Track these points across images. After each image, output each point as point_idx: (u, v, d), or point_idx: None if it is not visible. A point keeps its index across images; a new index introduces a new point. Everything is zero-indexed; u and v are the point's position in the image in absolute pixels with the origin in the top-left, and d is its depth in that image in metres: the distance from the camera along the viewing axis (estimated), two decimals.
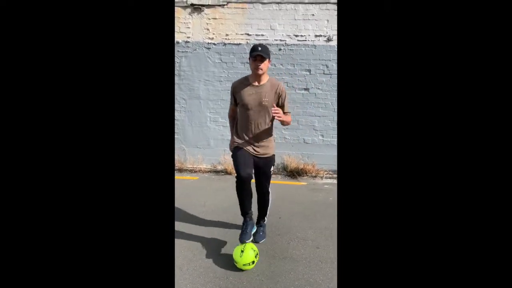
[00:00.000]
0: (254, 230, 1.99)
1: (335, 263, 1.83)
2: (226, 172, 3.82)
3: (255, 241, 1.95)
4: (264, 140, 1.89)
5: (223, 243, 2.07)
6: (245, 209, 1.92)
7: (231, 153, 1.95)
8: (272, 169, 1.97)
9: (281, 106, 1.87)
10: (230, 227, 2.31)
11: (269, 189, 1.99)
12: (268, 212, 2.09)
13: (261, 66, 1.75)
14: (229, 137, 3.89)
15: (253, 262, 1.74)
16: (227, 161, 3.86)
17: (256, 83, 1.84)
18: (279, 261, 1.84)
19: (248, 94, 1.83)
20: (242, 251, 1.74)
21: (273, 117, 1.86)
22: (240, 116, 1.89)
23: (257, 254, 1.78)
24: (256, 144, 1.88)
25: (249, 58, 1.80)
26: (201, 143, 4.02)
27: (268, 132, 1.90)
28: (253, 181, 1.90)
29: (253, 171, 1.89)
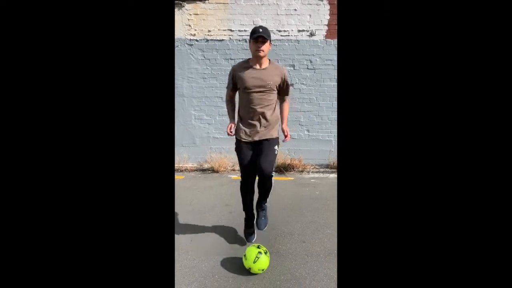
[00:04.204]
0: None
1: (321, 256, 1.85)
2: (213, 170, 3.79)
3: (258, 228, 1.96)
4: (269, 123, 1.83)
5: (209, 242, 2.04)
6: (246, 207, 1.99)
7: (235, 144, 1.90)
8: (276, 148, 1.86)
9: (284, 89, 1.86)
10: (216, 226, 2.29)
11: (273, 171, 1.83)
12: (270, 195, 1.97)
13: (262, 48, 1.70)
14: (215, 135, 3.89)
15: (259, 253, 1.65)
16: (213, 159, 3.82)
17: (258, 66, 1.77)
18: None
19: (251, 77, 1.75)
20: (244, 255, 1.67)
21: (277, 100, 1.88)
22: (243, 100, 1.82)
23: (260, 250, 1.68)
24: (260, 128, 1.82)
25: (249, 41, 1.75)
26: (186, 141, 3.96)
27: (272, 114, 1.85)
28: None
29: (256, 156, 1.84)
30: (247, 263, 1.65)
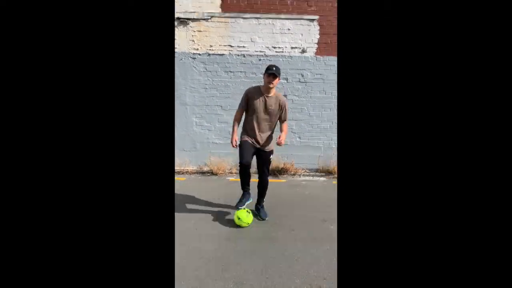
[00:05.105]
0: (249, 201, 2.57)
1: (307, 241, 2.17)
2: (212, 173, 4.09)
3: (262, 218, 2.55)
4: (267, 138, 2.46)
5: (207, 237, 2.33)
6: (244, 185, 2.58)
7: (239, 143, 2.47)
8: (271, 157, 2.54)
9: (283, 115, 2.47)
10: (216, 224, 2.55)
11: (268, 172, 2.56)
12: (266, 194, 2.63)
13: (273, 82, 2.31)
14: (214, 141, 4.23)
15: (248, 211, 2.43)
16: (213, 162, 4.14)
17: (267, 94, 2.39)
18: (259, 242, 2.15)
19: (259, 101, 2.38)
20: (239, 218, 2.37)
21: (275, 124, 2.49)
22: (249, 118, 2.44)
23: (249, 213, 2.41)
24: (260, 140, 2.43)
25: (264, 74, 2.36)
26: (187, 146, 4.28)
27: (270, 133, 2.48)
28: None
29: (256, 160, 2.49)
30: (241, 216, 2.36)
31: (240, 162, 2.42)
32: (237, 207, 2.48)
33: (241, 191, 2.58)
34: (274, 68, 2.29)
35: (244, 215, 2.37)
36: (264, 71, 2.38)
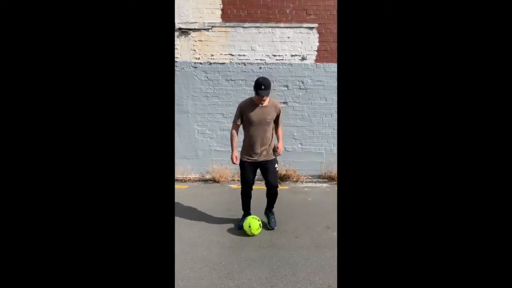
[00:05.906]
0: (246, 219, 2.45)
1: (311, 248, 2.16)
2: (214, 180, 4.10)
3: (271, 227, 2.48)
4: (268, 147, 2.40)
5: (211, 245, 2.33)
6: (245, 207, 2.56)
7: (239, 164, 2.44)
8: (276, 166, 2.46)
9: (278, 120, 2.46)
10: (219, 232, 2.56)
11: (277, 183, 2.46)
12: (275, 202, 2.55)
13: (264, 99, 2.30)
14: (216, 148, 4.25)
15: (260, 225, 2.38)
16: (215, 170, 4.15)
17: (261, 104, 2.35)
18: (264, 249, 2.14)
19: (255, 113, 2.34)
20: (249, 226, 2.34)
21: (274, 130, 2.46)
22: (247, 132, 2.40)
23: (260, 224, 2.38)
24: (261, 153, 2.38)
25: (254, 90, 2.28)
26: (189, 154, 4.29)
27: (270, 142, 2.43)
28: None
29: (261, 174, 2.45)
30: (253, 225, 2.33)
31: (242, 186, 2.44)
32: (239, 227, 2.47)
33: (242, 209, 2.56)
34: (263, 87, 2.22)
35: (256, 227, 2.33)
36: (254, 88, 2.29)
